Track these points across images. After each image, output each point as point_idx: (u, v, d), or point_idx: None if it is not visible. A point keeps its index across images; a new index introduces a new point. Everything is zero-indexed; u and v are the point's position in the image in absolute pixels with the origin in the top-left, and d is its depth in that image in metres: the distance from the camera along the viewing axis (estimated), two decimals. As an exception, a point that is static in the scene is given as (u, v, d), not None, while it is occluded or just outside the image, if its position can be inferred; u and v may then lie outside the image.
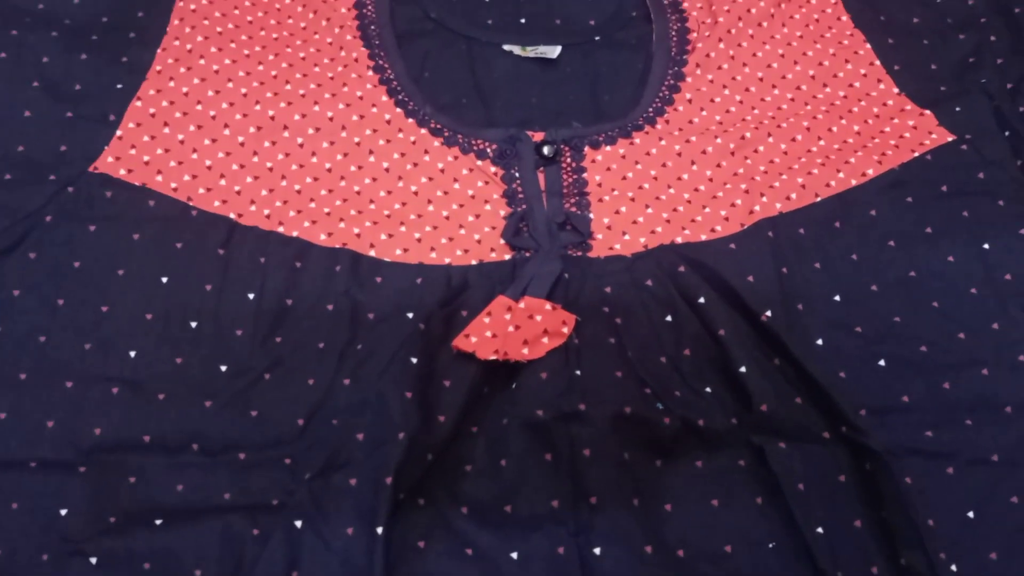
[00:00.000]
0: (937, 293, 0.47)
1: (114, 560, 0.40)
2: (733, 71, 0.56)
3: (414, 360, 0.43)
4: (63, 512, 0.41)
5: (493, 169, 0.52)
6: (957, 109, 0.54)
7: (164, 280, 0.46)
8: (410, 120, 0.53)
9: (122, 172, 0.49)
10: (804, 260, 0.47)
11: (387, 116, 0.53)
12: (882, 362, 0.45)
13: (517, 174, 0.52)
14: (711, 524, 0.42)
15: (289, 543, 0.40)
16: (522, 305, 0.44)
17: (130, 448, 0.43)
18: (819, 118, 0.54)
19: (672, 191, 0.51)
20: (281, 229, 0.48)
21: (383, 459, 0.40)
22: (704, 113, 0.55)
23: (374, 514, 0.39)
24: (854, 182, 0.50)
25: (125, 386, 0.44)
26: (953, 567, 0.40)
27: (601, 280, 0.47)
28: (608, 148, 0.53)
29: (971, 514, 0.41)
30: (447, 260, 0.48)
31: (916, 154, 0.52)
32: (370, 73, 0.55)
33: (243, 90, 0.53)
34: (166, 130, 0.51)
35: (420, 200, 0.51)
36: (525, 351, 0.43)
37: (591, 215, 0.50)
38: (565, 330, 0.44)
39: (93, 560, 0.40)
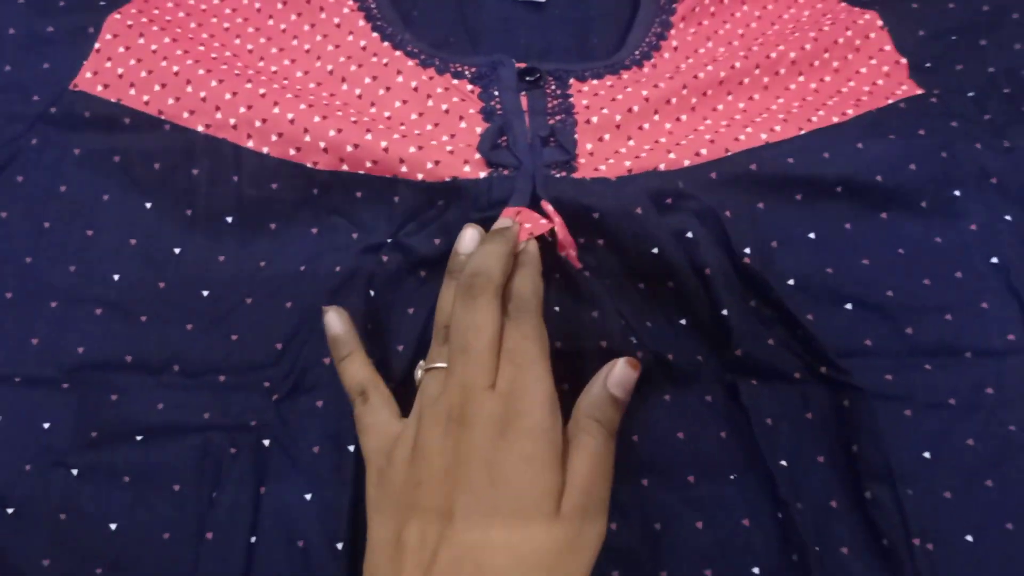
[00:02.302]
0: (905, 239, 0.46)
1: (95, 472, 0.41)
2: (715, 26, 0.55)
3: (372, 293, 0.43)
4: (46, 426, 0.42)
5: (470, 87, 0.50)
6: (927, 65, 0.53)
7: (148, 206, 0.45)
8: (385, 43, 0.51)
9: (99, 88, 0.48)
10: (786, 192, 0.46)
11: (362, 42, 0.51)
12: (849, 306, 0.45)
13: (496, 93, 0.49)
14: (675, 455, 0.42)
15: (257, 460, 0.41)
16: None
17: (112, 367, 0.43)
18: (807, 48, 0.52)
19: (657, 117, 0.49)
20: (251, 144, 0.46)
21: None
22: (690, 61, 0.54)
23: (340, 435, 0.40)
24: (836, 119, 0.50)
25: (108, 308, 0.44)
26: (915, 504, 0.40)
27: (588, 201, 0.44)
28: (594, 81, 0.51)
29: (927, 455, 0.42)
30: (419, 176, 0.45)
31: (890, 101, 0.51)
32: (350, 1, 0.54)
33: (226, 25, 0.52)
34: (140, 40, 0.49)
35: (393, 123, 0.48)
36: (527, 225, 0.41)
37: (576, 135, 0.48)
38: (543, 221, 0.41)
39: (74, 472, 0.40)
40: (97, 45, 0.49)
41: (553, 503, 0.30)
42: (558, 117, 0.48)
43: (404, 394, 0.42)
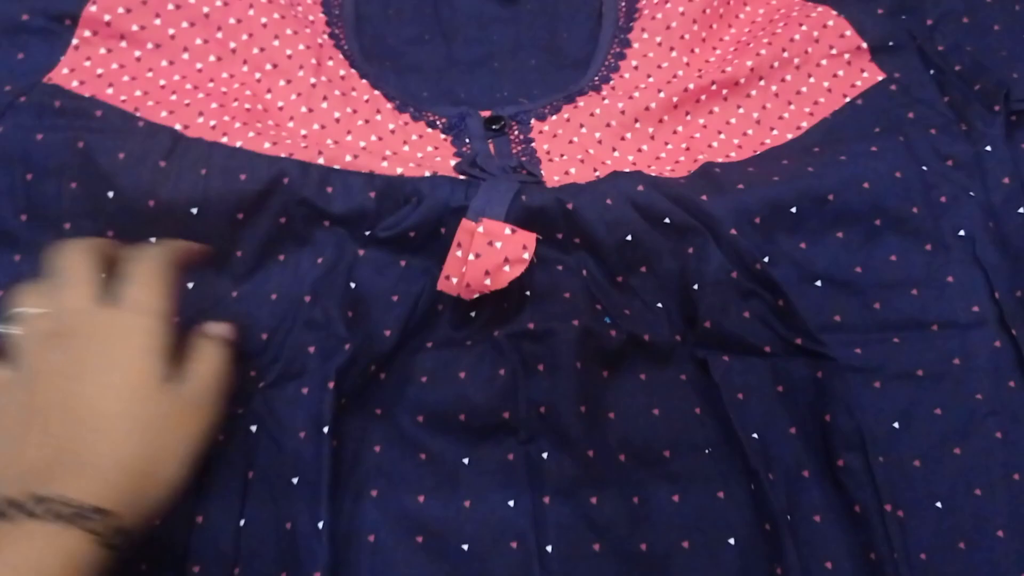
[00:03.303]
0: (879, 211, 0.47)
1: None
2: (673, 39, 0.55)
3: (353, 285, 0.44)
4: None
5: (443, 137, 0.51)
6: (890, 44, 0.53)
7: (110, 195, 0.44)
8: (364, 81, 0.52)
9: (74, 84, 0.47)
10: (763, 177, 0.47)
11: (341, 72, 0.52)
12: (818, 283, 0.46)
13: (467, 140, 0.50)
14: (651, 431, 0.43)
15: (245, 445, 0.41)
16: (480, 229, 0.42)
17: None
18: (762, 54, 0.53)
19: (617, 154, 0.50)
20: (225, 139, 0.45)
21: (330, 368, 0.41)
22: (651, 79, 0.53)
23: (320, 416, 0.40)
24: (790, 136, 0.50)
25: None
26: (886, 471, 0.41)
27: (561, 195, 0.45)
28: (553, 117, 0.52)
29: (896, 424, 0.43)
30: (399, 170, 0.46)
31: (848, 99, 0.52)
32: (325, 38, 0.54)
33: (205, 9, 0.51)
34: (123, 44, 0.49)
35: (368, 152, 0.49)
36: (487, 282, 0.42)
37: (543, 172, 0.49)
38: (526, 256, 0.42)
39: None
40: (75, 41, 0.48)
41: (167, 386, 0.36)
42: (524, 159, 0.49)
43: (398, 376, 0.43)
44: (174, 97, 0.48)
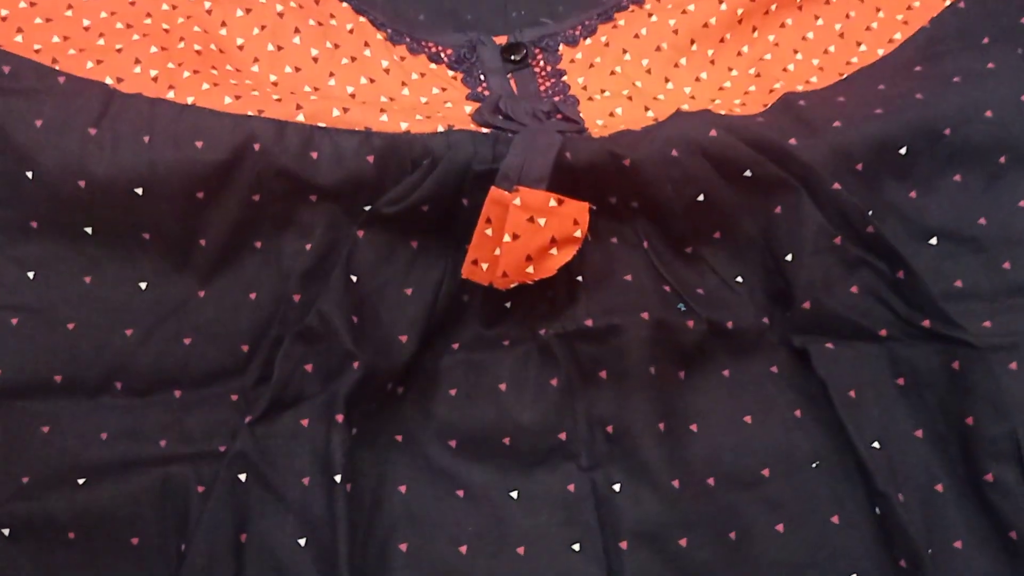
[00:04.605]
0: (1004, 146, 0.38)
1: (31, 529, 0.32)
2: None
3: (354, 278, 0.34)
4: (-37, 475, 0.33)
5: (451, 74, 0.41)
6: None
7: (29, 175, 0.34)
8: (344, 4, 0.42)
9: None
10: (859, 109, 0.38)
11: None
12: (934, 240, 0.37)
13: (482, 77, 0.41)
14: (744, 445, 0.34)
15: (233, 501, 0.32)
16: (517, 201, 0.33)
17: (39, 391, 0.34)
18: None
19: (671, 86, 0.41)
20: (172, 94, 0.35)
21: (336, 393, 0.33)
22: None
23: (329, 459, 0.32)
24: (881, 52, 0.41)
25: (26, 315, 0.35)
26: None
27: (616, 148, 0.35)
28: (587, 41, 0.42)
29: (1040, 415, 0.35)
30: (403, 125, 0.36)
31: (947, 2, 0.42)
32: None
33: None
34: None
35: (361, 103, 0.39)
36: (530, 269, 0.33)
37: (581, 114, 0.39)
38: (578, 233, 0.33)
39: (6, 532, 0.32)
40: None
41: None
42: (557, 99, 0.41)
43: (420, 390, 0.35)
44: (102, 41, 0.38)
